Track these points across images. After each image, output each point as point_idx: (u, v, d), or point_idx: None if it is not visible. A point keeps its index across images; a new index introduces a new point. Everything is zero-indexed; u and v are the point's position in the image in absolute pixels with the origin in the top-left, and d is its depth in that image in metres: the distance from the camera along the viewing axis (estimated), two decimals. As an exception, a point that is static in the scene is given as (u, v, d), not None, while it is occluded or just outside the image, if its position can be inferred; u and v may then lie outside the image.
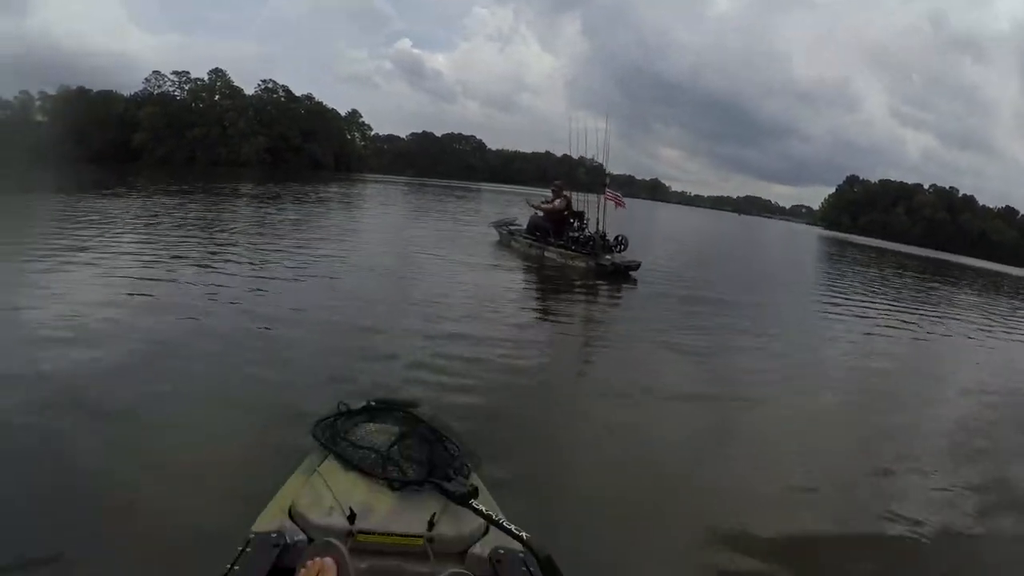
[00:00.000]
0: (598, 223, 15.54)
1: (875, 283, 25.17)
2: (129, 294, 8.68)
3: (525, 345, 8.08)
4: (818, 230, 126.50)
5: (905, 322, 14.88)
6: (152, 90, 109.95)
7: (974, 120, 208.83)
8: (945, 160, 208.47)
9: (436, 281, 11.80)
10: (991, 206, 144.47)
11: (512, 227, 18.47)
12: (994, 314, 20.21)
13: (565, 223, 16.30)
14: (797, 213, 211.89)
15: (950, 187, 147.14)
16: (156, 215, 19.34)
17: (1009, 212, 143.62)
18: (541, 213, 16.85)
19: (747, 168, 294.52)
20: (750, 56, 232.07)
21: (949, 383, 9.93)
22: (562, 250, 15.60)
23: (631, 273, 14.53)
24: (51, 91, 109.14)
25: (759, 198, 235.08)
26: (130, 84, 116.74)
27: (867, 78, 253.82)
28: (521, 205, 19.64)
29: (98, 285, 9.16)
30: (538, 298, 12.10)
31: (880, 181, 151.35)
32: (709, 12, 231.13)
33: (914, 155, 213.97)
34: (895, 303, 18.70)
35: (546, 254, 15.98)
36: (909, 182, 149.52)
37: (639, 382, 7.12)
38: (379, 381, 6.02)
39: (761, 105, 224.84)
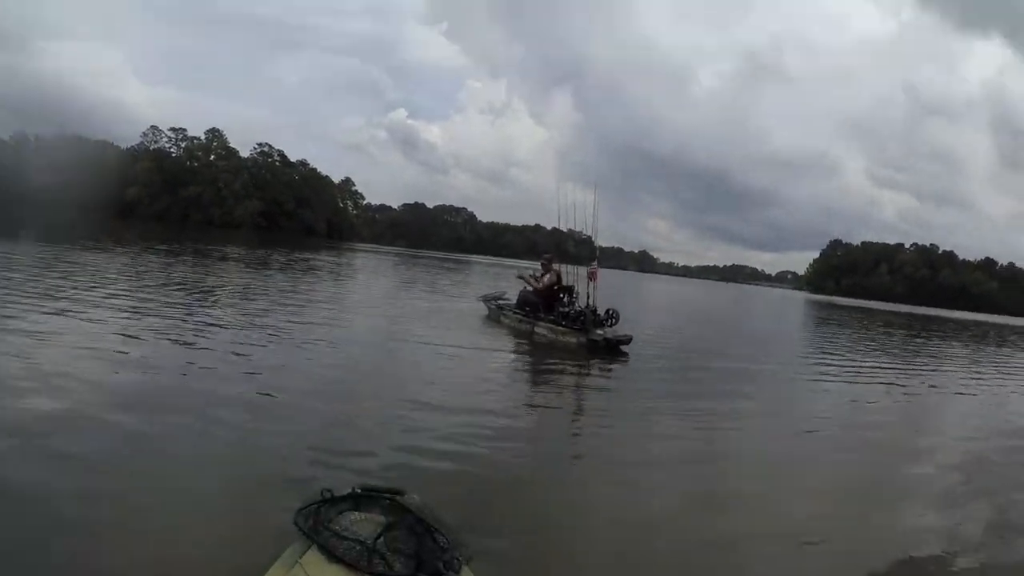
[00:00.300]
0: (588, 297, 15.30)
1: (862, 342, 26.03)
2: (100, 354, 8.57)
3: (517, 425, 7.85)
4: (804, 295, 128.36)
5: (894, 378, 15.62)
6: (149, 144, 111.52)
7: (949, 178, 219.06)
8: (923, 218, 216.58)
9: (425, 357, 11.48)
10: (971, 259, 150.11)
11: (501, 301, 18.27)
12: (980, 363, 21.90)
13: (555, 298, 16.09)
14: (783, 279, 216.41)
15: (930, 244, 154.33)
16: (143, 273, 19.47)
17: (988, 263, 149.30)
18: (531, 288, 16.71)
19: (732, 237, 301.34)
20: (733, 130, 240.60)
21: (941, 436, 10.32)
22: (552, 326, 15.29)
23: (623, 347, 14.25)
24: (47, 135, 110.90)
25: (745, 266, 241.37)
26: (127, 136, 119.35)
27: (845, 146, 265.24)
28: (510, 279, 19.59)
29: (71, 340, 9.09)
30: (529, 375, 11.83)
31: (862, 243, 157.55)
32: (694, 89, 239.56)
33: (893, 215, 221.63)
34: (884, 360, 19.49)
35: (536, 330, 15.63)
36: (890, 242, 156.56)
37: (636, 460, 6.91)
38: (364, 464, 5.73)
39: (744, 176, 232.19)
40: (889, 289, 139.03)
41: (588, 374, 12.10)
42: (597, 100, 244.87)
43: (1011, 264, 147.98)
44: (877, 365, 17.88)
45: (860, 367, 16.95)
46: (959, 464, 8.12)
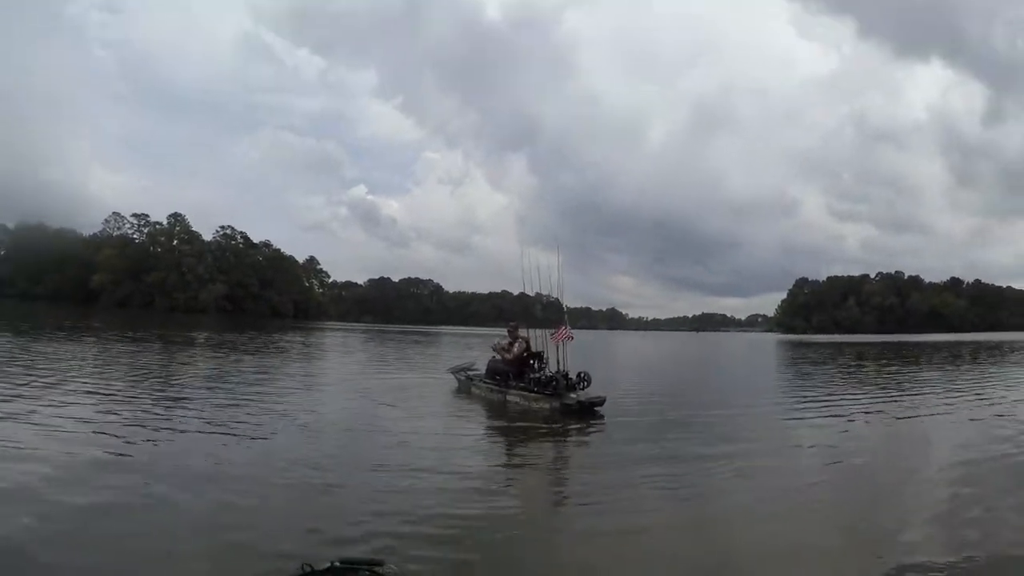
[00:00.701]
0: (558, 362, 15.30)
1: (836, 377, 26.46)
2: (68, 447, 8.61)
3: (495, 497, 7.78)
4: (775, 336, 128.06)
5: (870, 410, 16.02)
6: (111, 231, 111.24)
7: (906, 203, 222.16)
8: (886, 246, 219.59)
9: (398, 434, 11.32)
10: (937, 281, 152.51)
11: (471, 372, 18.13)
12: (953, 384, 22.47)
13: (526, 364, 16.03)
14: (753, 323, 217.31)
15: (895, 271, 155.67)
16: (110, 362, 19.39)
17: (955, 283, 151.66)
18: (499, 358, 16.64)
19: (698, 286, 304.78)
20: (688, 179, 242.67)
21: (921, 463, 10.50)
22: (524, 392, 15.24)
23: (597, 409, 14.16)
24: (10, 224, 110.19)
25: (715, 314, 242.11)
26: (90, 223, 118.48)
27: (801, 184, 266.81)
28: (480, 348, 19.46)
29: (36, 434, 9.17)
30: (504, 446, 11.69)
31: (828, 279, 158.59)
32: (647, 142, 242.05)
33: (856, 247, 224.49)
34: (859, 393, 19.91)
35: (508, 398, 15.57)
36: (855, 274, 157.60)
37: (617, 524, 6.82)
38: (343, 534, 5.78)
39: (704, 224, 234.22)
40: (859, 321, 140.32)
41: (564, 440, 12.06)
42: (552, 161, 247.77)
43: (977, 281, 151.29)
44: (853, 399, 18.10)
45: (834, 403, 17.13)
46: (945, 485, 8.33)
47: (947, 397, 18.46)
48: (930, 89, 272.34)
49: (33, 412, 10.80)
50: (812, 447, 11.41)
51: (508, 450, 11.24)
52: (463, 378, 18.01)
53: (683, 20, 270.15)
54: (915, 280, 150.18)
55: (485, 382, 16.71)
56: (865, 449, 11.23)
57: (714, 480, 8.83)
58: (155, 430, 10.14)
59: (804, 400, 18.11)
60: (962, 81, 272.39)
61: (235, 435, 10.17)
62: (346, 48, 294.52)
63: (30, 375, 15.16)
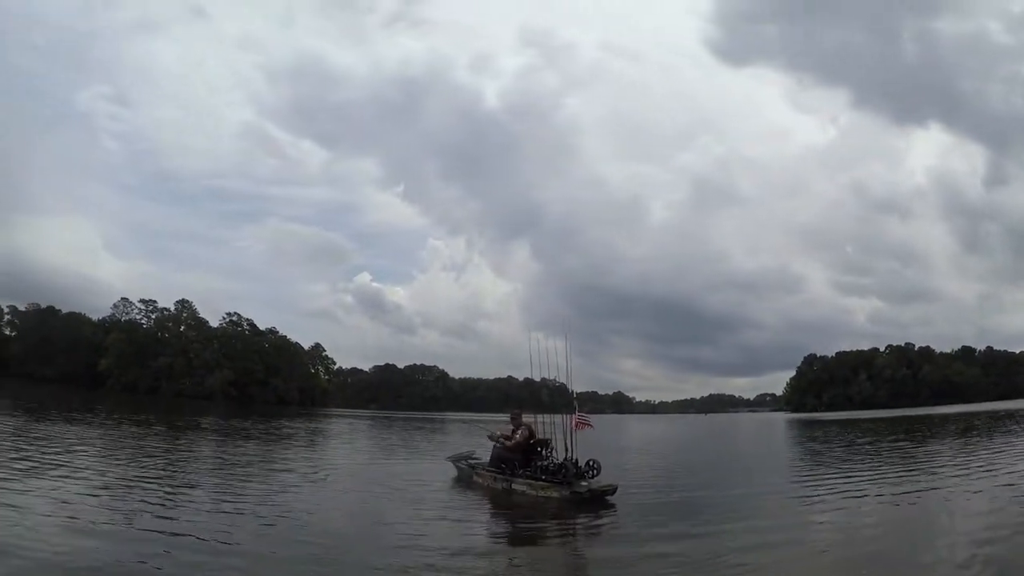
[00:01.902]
0: (567, 449, 14.83)
1: (849, 456, 25.79)
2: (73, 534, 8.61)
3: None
4: (785, 415, 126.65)
5: (882, 488, 15.81)
6: (120, 316, 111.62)
7: (912, 273, 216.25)
8: (894, 318, 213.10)
9: (399, 534, 10.50)
10: (948, 350, 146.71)
11: (472, 460, 17.63)
12: (964, 458, 22.00)
13: (533, 452, 15.55)
14: (762, 402, 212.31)
15: (905, 343, 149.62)
16: (117, 447, 19.37)
17: (967, 352, 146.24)
18: (499, 445, 16.17)
19: (705, 367, 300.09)
20: (691, 257, 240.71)
21: (930, 544, 10.33)
22: (531, 481, 14.71)
23: (607, 498, 13.71)
24: (21, 306, 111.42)
25: (723, 394, 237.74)
26: (99, 308, 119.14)
27: (804, 258, 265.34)
28: (484, 434, 18.97)
29: (44, 516, 9.25)
30: (513, 540, 11.25)
31: (837, 354, 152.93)
32: (647, 223, 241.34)
33: (863, 321, 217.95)
34: (871, 472, 19.47)
35: (514, 487, 14.98)
36: (865, 348, 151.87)
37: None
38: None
39: (708, 302, 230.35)
40: (872, 396, 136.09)
41: (577, 532, 11.55)
42: (555, 245, 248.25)
43: (989, 348, 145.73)
44: (864, 477, 17.88)
45: (846, 482, 16.75)
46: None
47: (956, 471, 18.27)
48: (929, 154, 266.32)
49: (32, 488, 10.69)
50: (824, 535, 10.92)
51: (516, 547, 10.73)
52: (464, 466, 17.47)
53: (679, 99, 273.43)
54: (926, 351, 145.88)
55: (488, 470, 16.16)
56: (872, 532, 10.96)
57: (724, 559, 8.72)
58: (155, 512, 9.97)
59: (816, 482, 17.40)
60: (961, 143, 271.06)
61: (234, 527, 9.95)
62: (349, 139, 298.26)
63: (36, 454, 15.11)
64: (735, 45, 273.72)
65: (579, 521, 12.20)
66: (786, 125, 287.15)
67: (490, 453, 16.65)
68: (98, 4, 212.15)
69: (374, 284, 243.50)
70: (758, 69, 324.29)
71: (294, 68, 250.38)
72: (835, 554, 9.24)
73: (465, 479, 16.89)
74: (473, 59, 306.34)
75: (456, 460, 18.13)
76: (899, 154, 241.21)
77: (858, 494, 14.65)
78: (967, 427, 41.03)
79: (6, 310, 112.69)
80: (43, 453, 16.39)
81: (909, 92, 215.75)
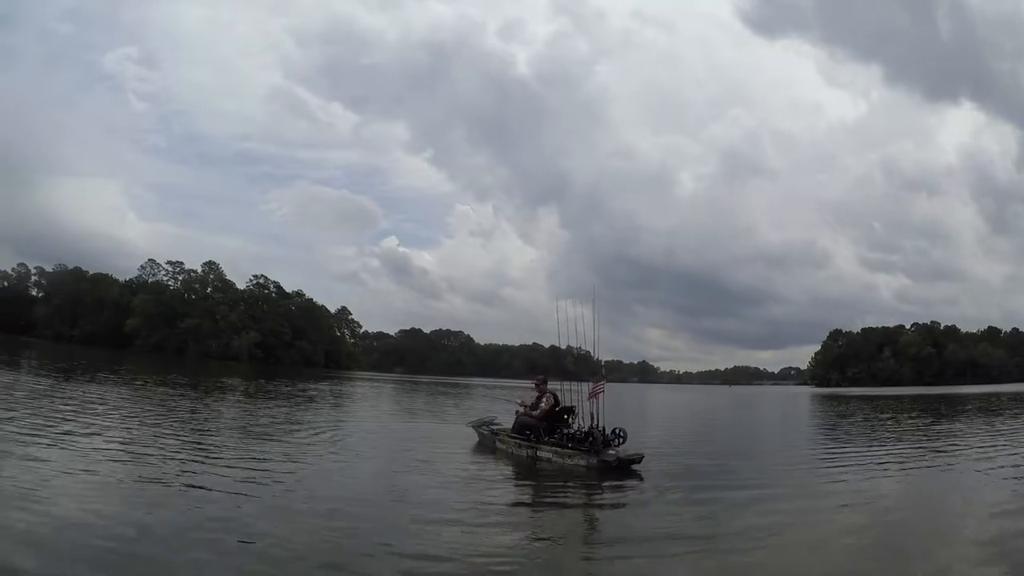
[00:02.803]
0: (592, 416, 14.48)
1: (871, 430, 25.84)
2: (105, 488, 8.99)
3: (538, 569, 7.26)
4: (809, 389, 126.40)
5: (907, 464, 16.05)
6: (147, 277, 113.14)
7: (939, 252, 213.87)
8: (920, 296, 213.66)
9: (419, 503, 10.14)
10: (974, 331, 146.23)
11: (494, 426, 17.32)
12: (988, 436, 22.08)
13: (559, 419, 15.35)
14: (786, 376, 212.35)
15: (931, 322, 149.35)
16: (143, 407, 19.85)
17: (992, 333, 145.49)
18: (526, 412, 15.88)
19: (730, 339, 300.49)
20: (719, 230, 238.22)
21: (948, 516, 10.58)
22: (558, 448, 14.44)
23: (634, 467, 13.50)
24: (48, 267, 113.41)
25: (747, 367, 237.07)
26: (125, 269, 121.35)
27: (832, 233, 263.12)
28: (510, 400, 18.77)
29: (75, 476, 9.47)
30: (539, 507, 11.03)
31: (862, 330, 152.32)
32: (675, 194, 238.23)
33: (889, 298, 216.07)
34: (892, 446, 19.70)
35: (539, 454, 14.73)
36: (890, 325, 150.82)
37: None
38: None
39: (735, 275, 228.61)
40: (895, 373, 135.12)
41: (604, 501, 11.32)
42: (582, 214, 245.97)
43: (1015, 330, 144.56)
44: (886, 452, 18.10)
45: (876, 460, 16.53)
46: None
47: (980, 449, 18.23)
48: (961, 132, 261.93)
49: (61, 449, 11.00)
50: (845, 505, 11.05)
51: (544, 513, 10.52)
52: (487, 432, 17.18)
53: (711, 70, 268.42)
54: (952, 330, 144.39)
55: (512, 437, 15.87)
56: (899, 503, 11.31)
57: (756, 544, 8.36)
58: (181, 474, 10.01)
59: (841, 457, 17.41)
60: (993, 122, 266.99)
61: (259, 485, 9.91)
62: (378, 102, 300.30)
63: (68, 416, 15.40)
64: (769, 16, 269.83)
65: (606, 489, 12.01)
66: (818, 99, 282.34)
67: (513, 419, 16.41)
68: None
69: (401, 249, 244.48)
70: (791, 41, 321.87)
71: (324, 31, 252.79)
72: (853, 524, 9.41)
73: (488, 445, 16.69)
74: (503, 25, 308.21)
75: (478, 426, 17.85)
76: (930, 132, 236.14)
77: (879, 467, 14.77)
78: (992, 407, 40.62)
79: (33, 271, 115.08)
80: (71, 412, 16.63)
81: (942, 69, 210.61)
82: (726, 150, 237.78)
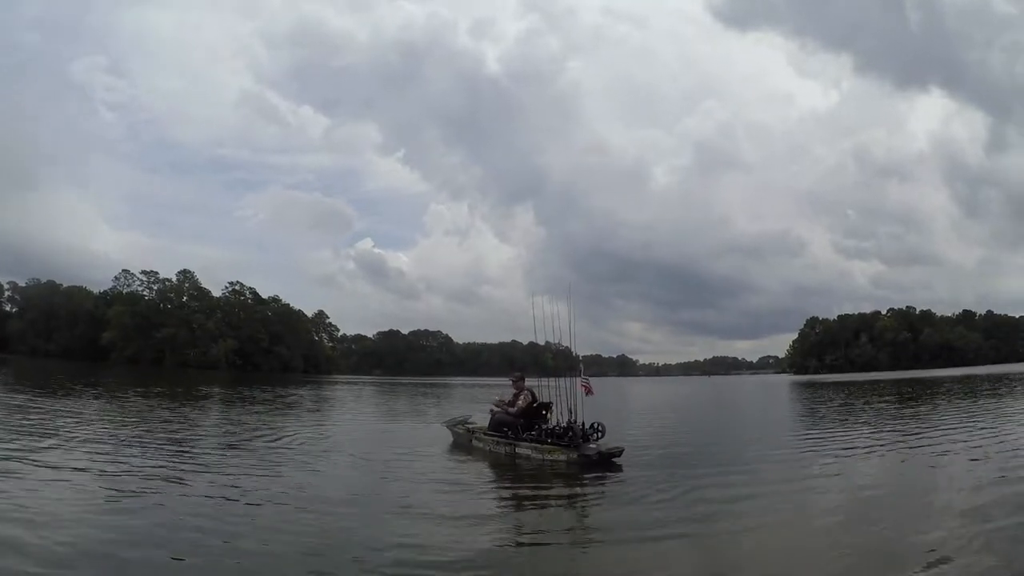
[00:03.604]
0: (570, 412, 14.60)
1: (849, 416, 26.22)
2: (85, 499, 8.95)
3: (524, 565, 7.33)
4: (787, 377, 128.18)
5: (887, 446, 16.28)
6: (121, 288, 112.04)
7: (913, 237, 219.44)
8: (895, 281, 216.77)
9: (413, 496, 10.49)
10: (949, 314, 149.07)
11: (469, 425, 17.36)
12: (966, 417, 22.69)
13: (536, 415, 15.36)
14: (765, 365, 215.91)
15: (906, 307, 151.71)
16: (122, 420, 19.86)
17: (967, 316, 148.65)
18: (499, 411, 15.97)
19: (708, 330, 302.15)
20: (694, 222, 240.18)
21: (929, 494, 10.62)
22: (537, 444, 14.44)
23: (615, 460, 13.57)
24: (21, 282, 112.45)
25: (725, 357, 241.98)
26: (99, 281, 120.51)
27: (806, 222, 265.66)
28: (490, 397, 18.75)
29: (52, 493, 9.27)
30: (522, 502, 10.91)
31: (839, 317, 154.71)
32: (650, 188, 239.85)
33: (864, 284, 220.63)
34: (871, 430, 19.99)
35: (518, 451, 14.70)
36: (866, 311, 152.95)
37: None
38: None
39: (711, 267, 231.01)
40: (873, 358, 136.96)
41: (588, 495, 11.27)
42: (558, 210, 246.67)
43: (989, 312, 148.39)
44: (865, 436, 18.40)
45: (855, 444, 16.93)
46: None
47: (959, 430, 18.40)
48: (932, 119, 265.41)
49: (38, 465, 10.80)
50: (827, 489, 11.19)
51: (525, 513, 10.34)
52: (462, 431, 17.14)
53: (683, 63, 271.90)
54: (927, 314, 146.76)
55: (489, 434, 15.84)
56: (881, 483, 11.53)
57: (737, 528, 8.54)
58: (160, 486, 9.91)
59: (821, 438, 18.07)
60: (963, 110, 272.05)
61: (234, 501, 9.80)
62: (349, 104, 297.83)
63: (38, 430, 15.24)
64: (740, 9, 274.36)
65: (588, 483, 12.02)
66: (790, 90, 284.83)
67: (489, 418, 16.43)
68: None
69: (376, 250, 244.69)
70: (762, 34, 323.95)
71: (293, 33, 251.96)
72: (836, 507, 9.61)
73: (464, 444, 16.64)
74: (474, 23, 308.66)
75: (452, 425, 17.85)
76: (901, 119, 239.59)
77: (859, 451, 15.13)
78: (968, 389, 41.11)
79: (6, 286, 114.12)
80: (48, 426, 16.65)
81: (912, 58, 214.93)
82: (700, 143, 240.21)
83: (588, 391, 15.01)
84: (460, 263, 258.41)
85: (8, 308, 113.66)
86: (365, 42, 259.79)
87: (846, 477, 12.08)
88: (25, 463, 11.28)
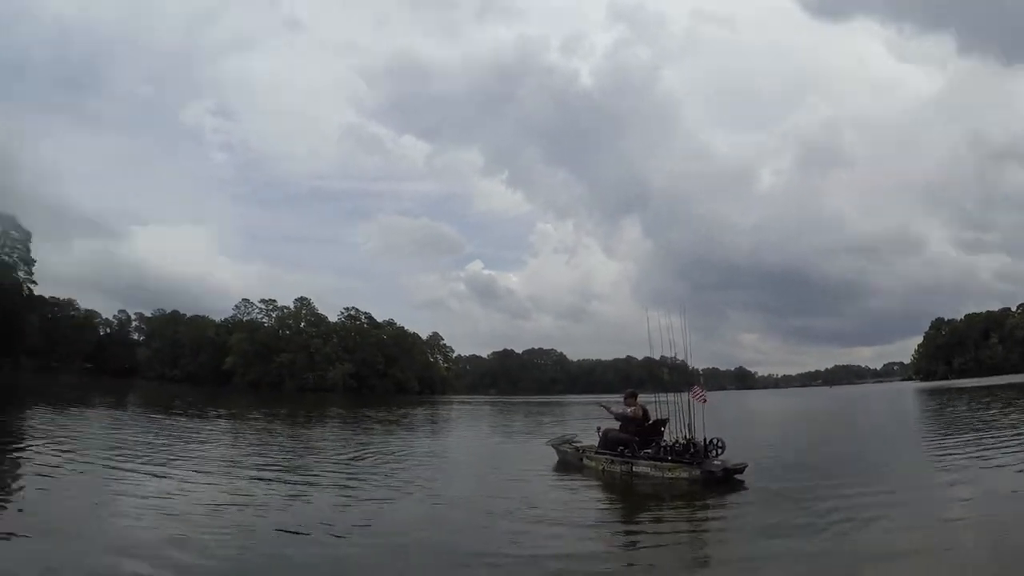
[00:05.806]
0: (689, 427, 13.93)
1: (985, 426, 23.60)
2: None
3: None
4: (914, 384, 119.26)
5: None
6: (241, 316, 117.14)
7: None
8: (1022, 274, 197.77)
9: (533, 513, 10.40)
10: None
11: (576, 444, 16.74)
12: None
13: (654, 432, 14.71)
14: (889, 372, 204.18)
15: None
16: (250, 440, 21.41)
17: None
18: (619, 411, 15.50)
19: (827, 337, 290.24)
20: (804, 223, 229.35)
21: None
22: (656, 462, 13.74)
23: (738, 477, 12.80)
24: (147, 312, 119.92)
25: (848, 365, 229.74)
26: (220, 309, 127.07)
27: (923, 217, 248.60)
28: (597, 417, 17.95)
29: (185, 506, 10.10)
30: (644, 520, 10.52)
31: (966, 316, 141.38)
32: (755, 191, 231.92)
33: (989, 279, 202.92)
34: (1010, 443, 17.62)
35: (635, 469, 13.98)
36: (994, 308, 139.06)
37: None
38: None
39: (825, 269, 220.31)
40: (1005, 360, 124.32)
41: (713, 514, 10.63)
42: (664, 221, 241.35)
43: None
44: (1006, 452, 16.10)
45: (986, 458, 15.18)
46: None
47: None
48: None
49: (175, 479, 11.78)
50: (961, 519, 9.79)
51: (646, 536, 9.86)
52: (570, 450, 16.50)
53: (777, 59, 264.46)
54: None
55: (601, 452, 15.13)
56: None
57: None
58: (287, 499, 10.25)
59: (958, 453, 16.18)
60: None
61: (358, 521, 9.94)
62: (449, 130, 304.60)
63: (179, 449, 16.06)
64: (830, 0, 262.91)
65: (712, 501, 11.35)
66: (892, 78, 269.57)
67: (598, 437, 15.72)
68: (197, 25, 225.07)
69: (486, 272, 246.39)
70: (856, 22, 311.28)
71: (391, 67, 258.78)
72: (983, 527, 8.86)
73: (572, 463, 15.97)
74: (564, 40, 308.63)
75: (558, 444, 17.26)
76: (1013, 97, 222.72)
77: (999, 470, 13.36)
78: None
79: (134, 317, 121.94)
80: (178, 446, 17.75)
81: (1017, 32, 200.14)
82: (804, 141, 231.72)
83: (701, 399, 14.31)
84: (568, 280, 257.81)
85: (137, 337, 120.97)
86: (459, 68, 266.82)
87: (995, 498, 10.85)
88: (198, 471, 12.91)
